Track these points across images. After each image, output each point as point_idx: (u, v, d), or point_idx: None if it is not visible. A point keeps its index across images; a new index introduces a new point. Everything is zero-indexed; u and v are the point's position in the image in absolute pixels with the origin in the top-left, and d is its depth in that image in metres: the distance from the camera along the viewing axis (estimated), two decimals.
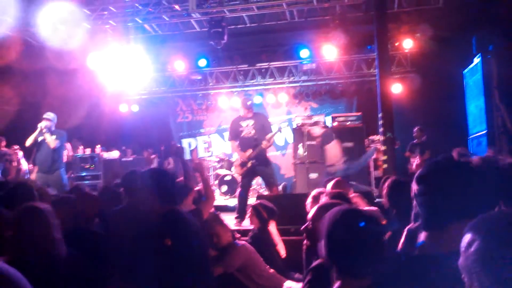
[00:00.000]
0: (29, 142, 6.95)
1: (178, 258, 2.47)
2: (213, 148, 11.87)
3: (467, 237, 1.05)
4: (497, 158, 1.71)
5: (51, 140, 6.86)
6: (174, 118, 13.67)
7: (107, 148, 11.28)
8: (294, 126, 8.91)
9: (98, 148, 10.68)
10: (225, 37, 8.55)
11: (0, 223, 2.43)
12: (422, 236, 1.52)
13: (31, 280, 1.14)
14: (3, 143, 8.75)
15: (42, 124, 6.87)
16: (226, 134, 12.43)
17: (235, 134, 6.54)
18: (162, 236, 2.50)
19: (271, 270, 4.04)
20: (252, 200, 6.06)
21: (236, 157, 6.95)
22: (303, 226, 2.34)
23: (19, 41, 8.87)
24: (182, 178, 4.20)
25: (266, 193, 7.21)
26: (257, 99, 12.00)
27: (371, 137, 9.51)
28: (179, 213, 2.69)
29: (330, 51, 9.70)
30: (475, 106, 8.20)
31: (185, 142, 13.50)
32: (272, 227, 4.55)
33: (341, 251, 1.57)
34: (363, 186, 7.51)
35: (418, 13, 9.10)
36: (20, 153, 8.92)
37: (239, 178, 7.22)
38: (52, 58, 8.70)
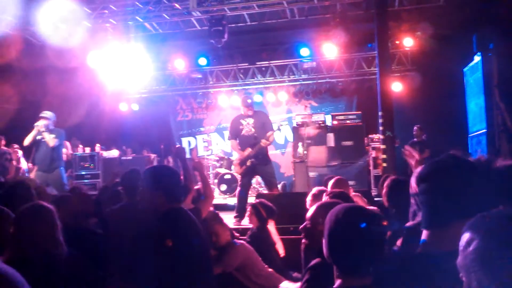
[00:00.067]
0: (27, 141, 6.94)
1: (179, 257, 2.47)
2: (212, 147, 11.87)
3: (465, 236, 1.05)
4: (491, 159, 1.70)
5: (50, 139, 6.84)
6: (174, 116, 13.67)
7: (107, 147, 11.28)
8: (294, 125, 8.91)
9: (97, 147, 10.68)
10: (226, 36, 8.55)
11: (1, 221, 2.42)
12: (424, 235, 1.52)
13: (31, 279, 1.14)
14: (3, 142, 8.74)
15: (39, 123, 6.85)
16: (226, 133, 12.42)
17: (235, 132, 6.52)
18: (163, 235, 2.49)
19: (270, 270, 4.03)
20: (251, 199, 6.05)
21: (236, 156, 6.95)
22: (302, 226, 2.33)
23: (19, 39, 8.87)
24: (181, 177, 4.19)
25: (265, 192, 7.21)
26: (257, 98, 11.98)
27: (370, 136, 9.50)
28: (181, 212, 2.68)
29: (330, 49, 9.69)
30: (475, 104, 8.20)
31: (185, 141, 13.51)
32: (271, 226, 4.55)
33: (343, 249, 1.57)
34: None
35: (418, 11, 9.09)
36: (20, 152, 8.92)
37: (238, 177, 7.21)
38: (53, 57, 8.69)
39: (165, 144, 11.89)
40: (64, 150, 8.14)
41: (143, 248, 2.58)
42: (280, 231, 4.75)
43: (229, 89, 12.33)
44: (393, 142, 7.40)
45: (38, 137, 6.91)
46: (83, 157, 10.19)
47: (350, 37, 8.84)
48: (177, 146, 10.53)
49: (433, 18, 9.04)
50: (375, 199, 6.02)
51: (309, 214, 2.32)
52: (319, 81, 11.78)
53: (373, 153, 9.26)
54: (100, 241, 3.08)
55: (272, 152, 7.00)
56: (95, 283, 2.58)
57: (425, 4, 8.66)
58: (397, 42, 10.32)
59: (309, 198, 3.75)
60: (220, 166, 10.23)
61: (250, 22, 9.39)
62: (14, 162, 8.69)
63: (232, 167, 9.05)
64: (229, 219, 5.83)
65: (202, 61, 11.52)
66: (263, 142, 6.22)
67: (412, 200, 2.22)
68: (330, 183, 4.03)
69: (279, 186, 8.82)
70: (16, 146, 8.81)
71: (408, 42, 10.13)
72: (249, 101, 6.58)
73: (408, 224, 2.31)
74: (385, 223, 1.64)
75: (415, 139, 9.38)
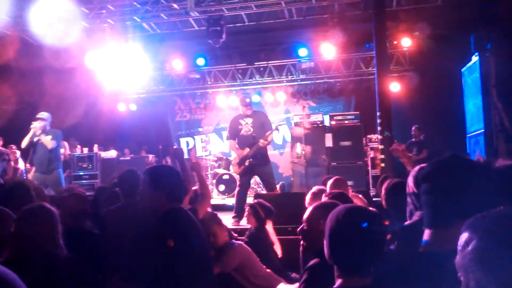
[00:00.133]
0: (24, 143, 6.92)
1: (179, 257, 2.46)
2: (211, 147, 11.87)
3: (464, 236, 1.04)
4: (491, 160, 1.71)
5: (48, 141, 6.82)
6: (172, 117, 13.66)
7: (105, 148, 11.26)
8: (292, 125, 8.91)
9: (95, 147, 10.66)
10: (224, 36, 8.54)
11: (3, 221, 2.42)
12: (426, 234, 1.52)
13: (30, 279, 1.13)
14: (0, 143, 8.72)
15: (36, 125, 6.82)
16: (224, 133, 12.43)
17: (234, 132, 6.51)
18: (163, 235, 2.49)
19: (268, 270, 4.03)
20: (250, 200, 6.05)
21: (234, 156, 6.94)
22: (299, 228, 2.33)
23: (16, 39, 8.85)
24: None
25: (264, 192, 7.20)
26: (255, 98, 11.99)
27: (369, 136, 9.51)
28: (182, 212, 2.68)
29: (328, 49, 9.70)
30: (473, 105, 8.22)
31: (183, 141, 13.50)
32: (269, 227, 4.54)
33: (344, 249, 1.58)
34: None
35: (416, 12, 9.10)
36: (18, 153, 8.89)
37: (237, 177, 7.21)
38: (50, 57, 8.68)
39: (163, 144, 11.88)
40: (61, 150, 8.12)
41: (142, 248, 2.57)
42: (279, 232, 4.74)
43: (227, 90, 12.32)
44: (392, 142, 7.41)
45: (35, 139, 6.89)
46: (81, 158, 10.18)
47: (348, 37, 8.84)
48: (175, 147, 10.54)
49: (431, 18, 9.05)
50: (374, 199, 6.03)
51: (305, 215, 2.31)
52: (317, 81, 11.78)
53: (372, 153, 9.28)
54: (97, 242, 3.07)
55: (270, 153, 6.97)
56: (94, 284, 2.57)
57: (423, 4, 8.67)
58: (395, 42, 10.34)
59: (308, 197, 3.75)
60: (219, 167, 10.22)
61: (248, 22, 9.38)
62: (12, 163, 8.66)
63: (231, 167, 9.04)
64: (227, 219, 5.83)
65: (200, 61, 11.52)
66: (261, 142, 6.20)
67: (409, 200, 2.22)
68: (329, 183, 4.02)
69: (277, 187, 8.82)
70: (14, 147, 8.78)
71: (406, 42, 10.14)
72: (247, 100, 6.56)
73: (405, 223, 2.31)
74: (386, 222, 1.65)
75: (413, 139, 9.40)
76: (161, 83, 12.47)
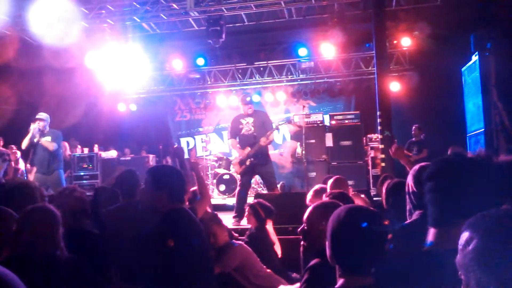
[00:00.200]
0: (24, 144, 6.91)
1: (179, 257, 2.46)
2: (211, 147, 11.86)
3: (465, 235, 1.04)
4: (491, 155, 1.71)
5: (49, 144, 6.82)
6: (172, 117, 13.66)
7: (105, 148, 11.26)
8: (292, 125, 8.90)
9: (96, 147, 10.66)
10: (223, 36, 8.54)
11: (4, 221, 2.42)
12: (430, 233, 1.52)
13: (30, 279, 1.13)
14: (1, 143, 8.71)
15: (34, 126, 6.82)
16: (225, 133, 12.45)
17: (235, 132, 6.51)
18: (163, 235, 2.48)
19: (268, 270, 4.02)
20: (250, 199, 6.05)
21: (235, 155, 6.93)
22: (299, 228, 2.33)
23: (16, 39, 8.85)
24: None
25: (265, 192, 7.20)
26: (255, 98, 11.97)
27: (369, 136, 9.51)
28: (183, 212, 2.67)
29: (328, 49, 9.70)
30: (473, 104, 8.21)
31: (183, 141, 13.49)
32: (269, 227, 4.54)
33: (346, 249, 1.58)
34: None
35: (416, 11, 9.10)
36: (18, 153, 8.89)
37: (237, 177, 7.20)
38: (50, 57, 8.67)
39: (164, 144, 11.88)
40: (61, 150, 8.11)
41: (142, 248, 2.57)
42: (279, 231, 4.74)
43: (227, 89, 12.32)
44: (392, 142, 7.41)
45: (35, 140, 6.88)
46: (81, 158, 10.19)
47: (348, 37, 8.84)
48: (175, 146, 10.53)
49: (430, 17, 9.06)
50: (374, 198, 6.03)
51: (305, 215, 2.31)
52: (317, 81, 11.78)
53: (372, 153, 9.28)
54: (97, 242, 3.06)
55: (270, 152, 6.97)
56: (94, 284, 2.57)
57: (423, 4, 8.67)
58: (395, 42, 10.34)
59: (310, 194, 3.75)
60: (219, 167, 10.21)
61: (247, 22, 9.38)
62: (13, 163, 8.66)
63: (231, 167, 9.04)
64: (228, 219, 5.82)
65: (200, 61, 11.52)
66: (262, 141, 6.20)
67: (408, 199, 2.22)
68: (329, 182, 4.02)
69: (278, 186, 8.83)
70: (14, 147, 8.79)
71: (406, 42, 10.14)
72: (248, 99, 6.55)
73: (405, 222, 2.31)
74: (386, 222, 1.64)
75: (413, 139, 9.40)
76: (161, 83, 12.47)
